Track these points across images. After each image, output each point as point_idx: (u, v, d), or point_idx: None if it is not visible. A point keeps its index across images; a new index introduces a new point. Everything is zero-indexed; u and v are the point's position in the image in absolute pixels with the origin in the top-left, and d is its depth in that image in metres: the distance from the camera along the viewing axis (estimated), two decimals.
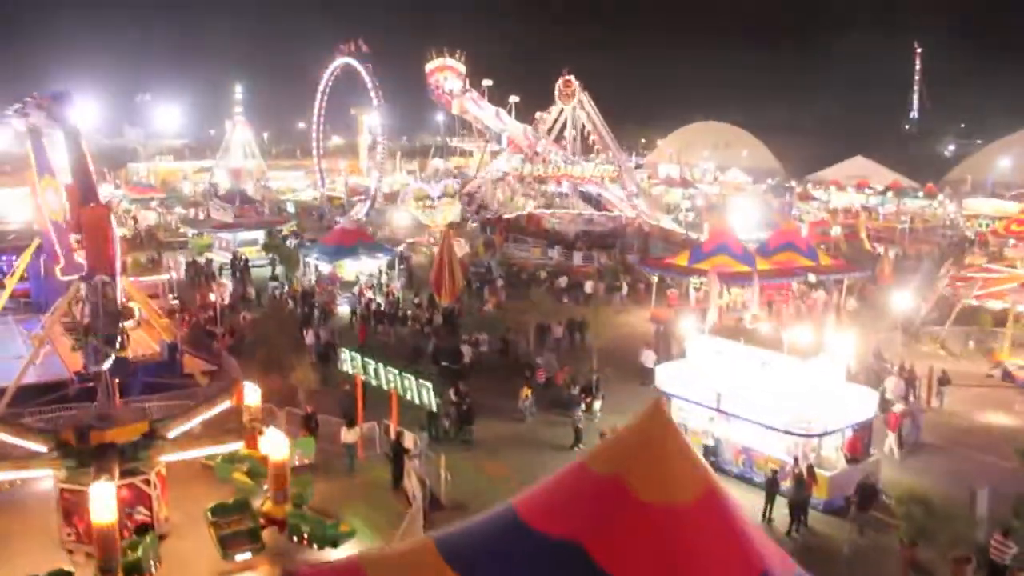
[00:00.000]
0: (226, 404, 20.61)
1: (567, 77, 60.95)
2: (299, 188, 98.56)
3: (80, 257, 35.43)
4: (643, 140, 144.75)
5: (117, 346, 18.19)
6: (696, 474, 9.07)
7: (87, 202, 26.88)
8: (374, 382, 22.87)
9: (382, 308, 40.45)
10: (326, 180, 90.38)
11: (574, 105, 61.73)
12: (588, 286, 45.10)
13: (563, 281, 46.56)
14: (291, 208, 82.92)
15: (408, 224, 62.97)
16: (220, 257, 55.41)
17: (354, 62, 69.72)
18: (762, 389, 22.50)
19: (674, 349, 32.59)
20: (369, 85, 69.53)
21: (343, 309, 41.79)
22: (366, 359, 23.08)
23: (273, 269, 50.28)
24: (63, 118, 26.69)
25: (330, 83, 73.81)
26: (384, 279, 44.31)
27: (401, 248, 56.35)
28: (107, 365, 18.43)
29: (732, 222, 63.66)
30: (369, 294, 42.79)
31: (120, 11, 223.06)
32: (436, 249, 55.65)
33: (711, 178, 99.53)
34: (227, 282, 36.71)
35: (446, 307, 38.67)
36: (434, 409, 22.01)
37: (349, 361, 23.72)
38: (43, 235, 37.10)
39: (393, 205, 73.04)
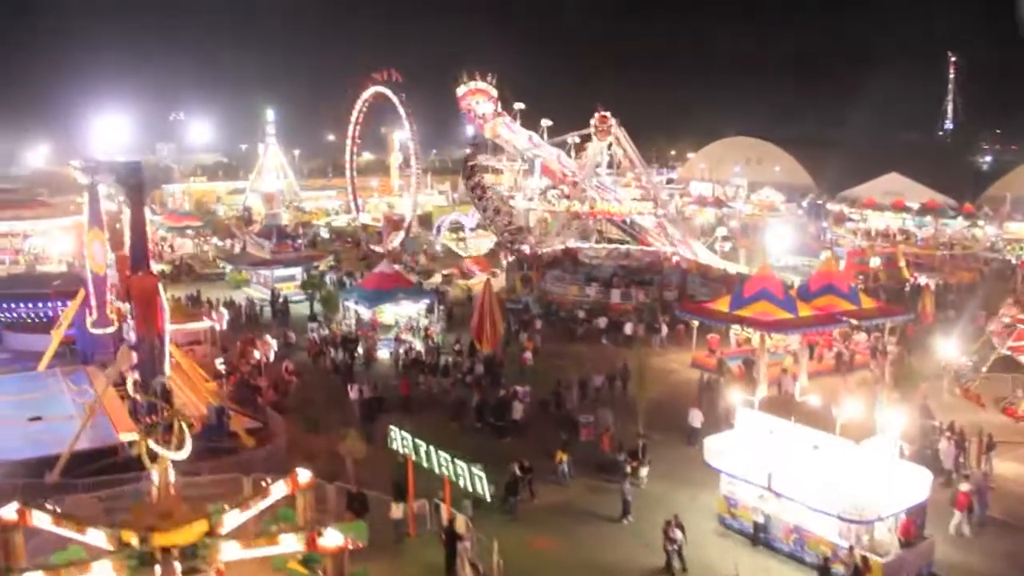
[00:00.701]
0: (282, 491, 20.70)
1: (603, 113, 60.80)
2: (331, 208, 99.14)
3: (112, 313, 36.29)
4: (673, 152, 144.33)
5: (175, 449, 18.32)
6: None
7: (137, 270, 27.31)
8: (425, 465, 22.91)
9: (422, 355, 40.55)
10: (359, 202, 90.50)
11: (610, 141, 61.57)
12: (628, 328, 45.01)
13: (602, 322, 46.47)
14: (324, 233, 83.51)
15: (442, 254, 63.23)
16: (258, 292, 55.91)
17: (387, 91, 70.05)
18: (814, 471, 22.34)
19: (720, 405, 32.38)
20: (403, 115, 69.80)
21: (382, 354, 41.97)
22: (417, 441, 23.14)
23: (311, 306, 50.58)
24: (132, 186, 27.18)
25: (363, 111, 74.24)
26: (423, 322, 44.36)
27: (437, 282, 56.57)
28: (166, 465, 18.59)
29: (768, 245, 63.70)
30: (407, 337, 42.91)
31: (152, 28, 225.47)
32: (471, 282, 56.50)
33: (744, 196, 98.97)
34: (271, 340, 37.01)
35: (487, 355, 38.74)
36: (488, 499, 21.94)
37: (400, 440, 23.77)
38: (85, 284, 37.83)
39: (426, 230, 73.30)
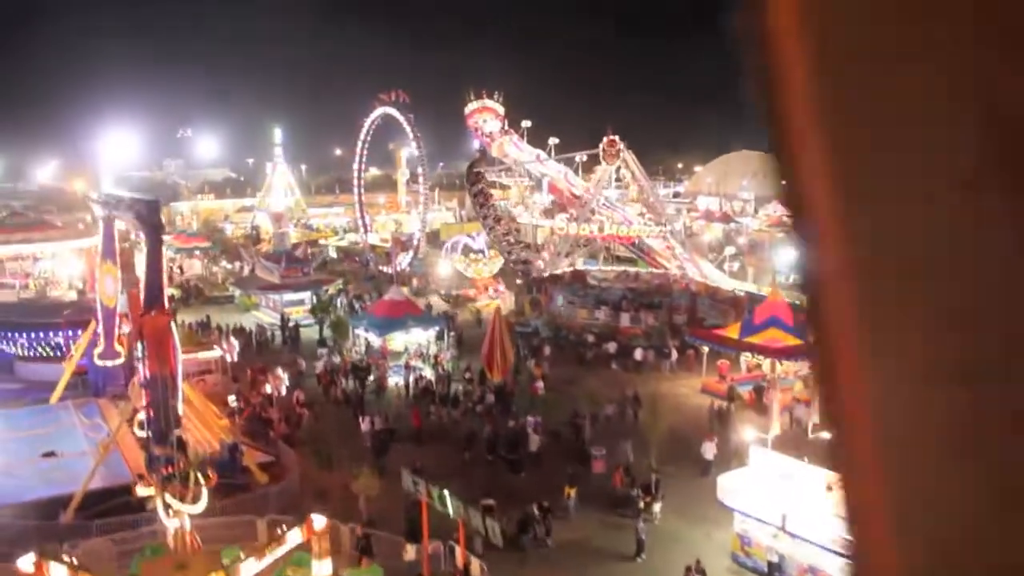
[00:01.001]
0: (297, 539, 20.72)
1: (611, 137, 60.80)
2: (339, 225, 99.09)
3: (119, 345, 36.39)
4: (680, 165, 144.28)
5: (191, 502, 18.41)
6: None
7: (150, 308, 27.35)
8: (439, 508, 22.91)
9: (432, 384, 40.53)
10: (367, 220, 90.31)
11: (619, 164, 61.60)
12: (638, 353, 44.95)
13: (612, 347, 46.42)
14: (333, 253, 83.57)
15: (452, 275, 63.29)
16: (267, 316, 56.02)
17: (395, 112, 70.32)
18: (828, 511, 22.27)
19: (733, 437, 32.26)
20: (411, 136, 70.02)
21: (392, 381, 41.97)
22: (430, 485, 23.14)
23: (321, 331, 50.55)
24: (151, 224, 27.27)
25: (371, 131, 74.58)
26: (433, 349, 44.36)
27: (446, 307, 56.58)
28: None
29: (776, 264, 63.64)
30: (417, 363, 42.88)
31: (159, 44, 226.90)
32: (480, 306, 56.51)
33: (752, 211, 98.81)
34: (282, 374, 37.12)
35: (497, 384, 38.73)
36: (500, 545, 21.95)
37: (412, 484, 23.77)
38: (95, 315, 37.96)
39: (435, 248, 73.39)
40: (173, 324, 27.64)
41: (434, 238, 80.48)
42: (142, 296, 27.80)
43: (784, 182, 0.89)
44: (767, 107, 0.87)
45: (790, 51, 0.84)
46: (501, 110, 76.28)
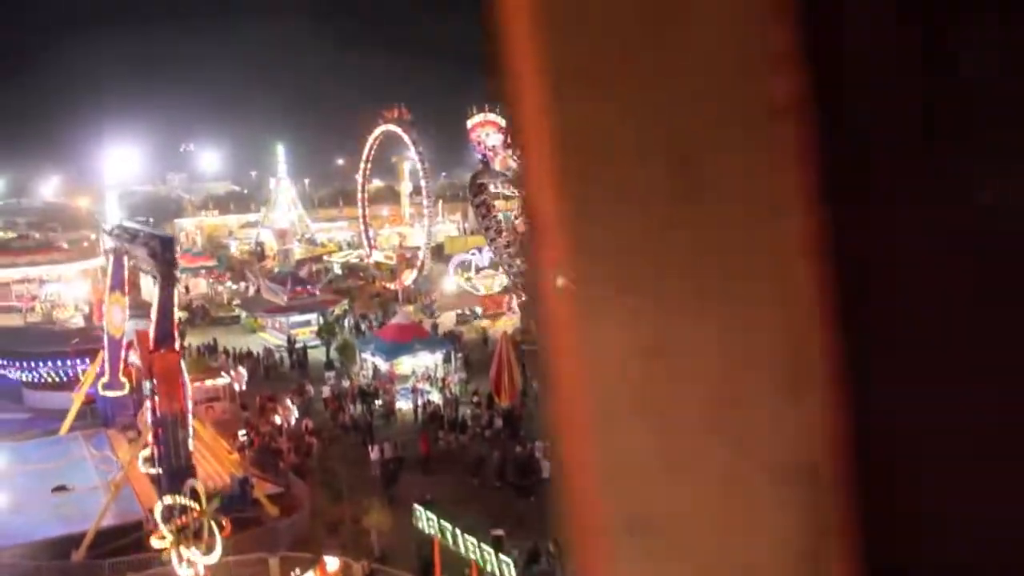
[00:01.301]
0: None
1: None
2: (343, 240, 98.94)
3: (124, 377, 36.51)
4: None
5: (205, 552, 18.43)
6: None
7: (160, 347, 27.44)
8: (451, 546, 22.92)
9: (440, 408, 40.48)
10: (371, 234, 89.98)
11: None
12: None
13: None
14: (337, 269, 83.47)
15: (456, 292, 63.24)
16: (274, 338, 55.97)
17: (397, 129, 70.40)
18: None
19: None
20: (413, 152, 70.01)
21: (400, 405, 41.93)
22: (443, 523, 23.13)
23: (327, 352, 50.48)
24: (164, 261, 27.38)
25: (374, 147, 74.67)
26: (440, 372, 44.31)
27: (452, 326, 56.54)
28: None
29: None
30: (424, 386, 42.80)
31: (162, 58, 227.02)
32: (486, 324, 56.46)
33: None
34: (291, 405, 37.20)
35: (506, 408, 38.64)
36: None
37: (425, 521, 23.76)
38: (101, 345, 38.08)
39: (439, 263, 73.25)
40: (183, 362, 27.78)
41: (438, 252, 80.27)
42: (152, 333, 27.93)
43: (522, 188, 1.01)
44: (512, 118, 0.98)
45: (524, 64, 0.93)
46: (503, 122, 76.06)
